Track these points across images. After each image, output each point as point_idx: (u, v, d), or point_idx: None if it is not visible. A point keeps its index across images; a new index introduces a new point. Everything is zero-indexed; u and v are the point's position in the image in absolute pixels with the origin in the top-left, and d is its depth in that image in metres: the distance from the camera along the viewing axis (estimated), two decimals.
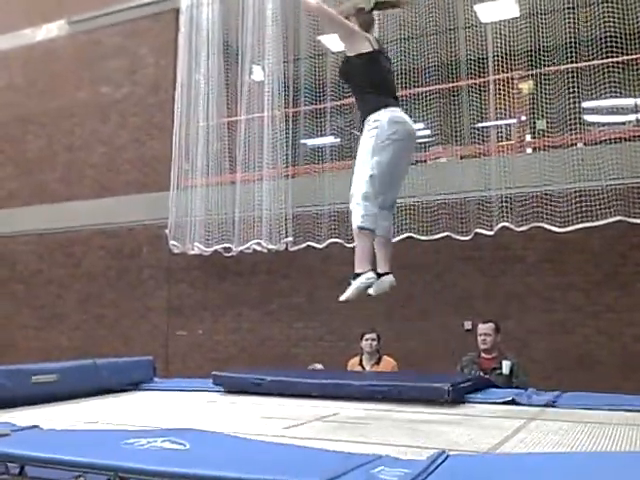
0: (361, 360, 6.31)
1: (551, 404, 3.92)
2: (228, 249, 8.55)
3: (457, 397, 3.96)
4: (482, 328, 5.68)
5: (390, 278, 3.75)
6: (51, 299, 10.15)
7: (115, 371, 5.01)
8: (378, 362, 6.25)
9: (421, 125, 8.57)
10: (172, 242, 8.83)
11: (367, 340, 6.32)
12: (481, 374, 5.24)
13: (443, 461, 2.06)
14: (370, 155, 3.54)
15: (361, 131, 3.71)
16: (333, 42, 9.29)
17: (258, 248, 8.34)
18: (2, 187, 11.00)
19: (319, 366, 6.42)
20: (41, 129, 10.77)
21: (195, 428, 2.77)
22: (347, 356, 6.63)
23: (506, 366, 5.26)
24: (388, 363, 6.26)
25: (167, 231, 8.85)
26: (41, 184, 10.58)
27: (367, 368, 6.21)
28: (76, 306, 9.93)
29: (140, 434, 2.55)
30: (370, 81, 3.72)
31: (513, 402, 4.04)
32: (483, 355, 5.56)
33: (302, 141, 9.02)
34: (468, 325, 7.30)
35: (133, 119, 10.02)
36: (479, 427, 3.28)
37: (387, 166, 3.53)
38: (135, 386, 5.17)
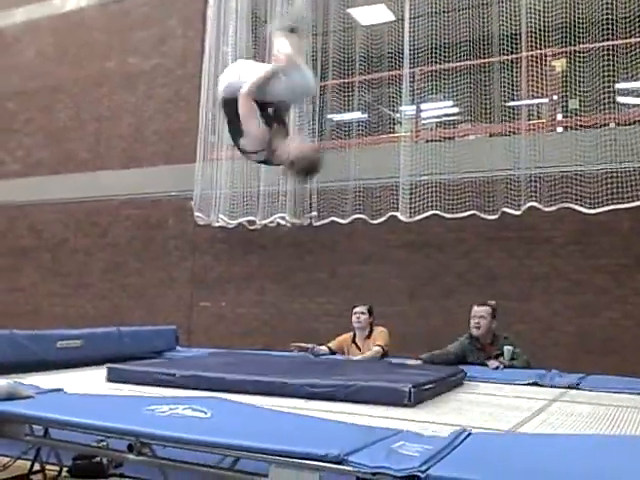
0: (354, 337, 5.81)
1: (574, 386, 3.88)
2: (252, 222, 8.56)
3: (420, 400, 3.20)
4: (477, 311, 5.15)
5: None
6: (77, 267, 10.27)
7: (138, 339, 5.09)
8: (369, 336, 5.71)
9: (450, 102, 8.45)
10: (197, 214, 8.86)
11: (355, 314, 5.74)
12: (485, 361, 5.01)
13: (465, 438, 2.04)
14: None
15: None
16: (363, 15, 9.18)
17: (282, 222, 8.34)
18: (31, 155, 11.10)
19: (323, 348, 5.70)
20: (70, 98, 10.82)
21: (216, 396, 2.78)
22: None
23: (508, 352, 4.93)
24: (378, 334, 5.69)
25: (192, 203, 8.88)
26: (69, 153, 10.66)
27: (360, 345, 5.71)
28: (101, 275, 10.05)
29: (162, 401, 2.57)
30: None
31: (535, 384, 4.01)
32: (482, 341, 5.14)
33: (329, 116, 8.94)
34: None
35: (160, 90, 10.01)
36: (500, 407, 3.26)
37: None
38: (158, 354, 5.23)
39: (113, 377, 3.87)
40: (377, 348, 5.48)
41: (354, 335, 5.82)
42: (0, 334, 4.15)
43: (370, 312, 5.77)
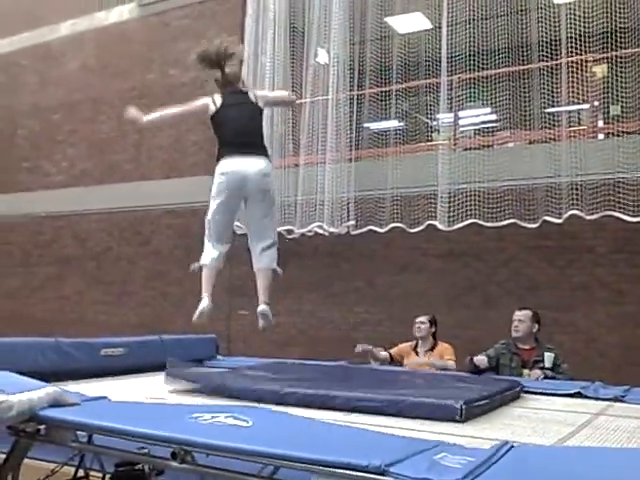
0: (416, 345, 5.91)
1: (620, 398, 3.79)
2: (290, 231, 8.60)
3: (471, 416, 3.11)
4: (517, 314, 5.21)
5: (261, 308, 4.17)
6: (120, 276, 10.47)
7: (180, 347, 5.15)
8: (432, 349, 5.82)
9: (488, 109, 8.39)
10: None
11: (416, 324, 5.88)
12: (521, 366, 4.98)
13: (507, 451, 2.02)
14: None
15: None
16: (400, 23, 9.18)
17: (320, 231, 8.36)
18: (75, 166, 11.38)
19: (384, 354, 5.83)
20: (112, 110, 11.05)
21: (258, 406, 2.80)
22: (406, 342, 6.54)
23: (548, 358, 4.87)
24: (443, 349, 5.83)
25: None
26: (112, 164, 10.89)
27: (421, 355, 5.79)
28: (144, 283, 10.22)
29: (204, 409, 2.59)
30: (217, 137, 4.30)
31: (579, 395, 3.93)
32: (520, 345, 5.13)
33: (366, 124, 8.96)
34: None
35: None
36: (542, 421, 3.19)
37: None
38: (199, 362, 5.28)
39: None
40: (452, 363, 5.55)
41: (416, 344, 5.90)
42: (46, 342, 4.25)
43: (432, 322, 5.87)
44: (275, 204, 4.22)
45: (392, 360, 5.80)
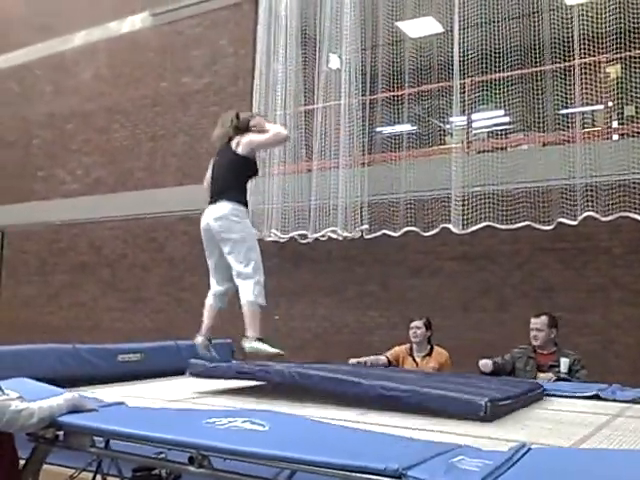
0: (411, 349, 5.74)
1: (638, 401, 3.76)
2: (304, 236, 8.62)
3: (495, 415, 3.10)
4: (533, 323, 5.14)
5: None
6: (135, 282, 10.53)
7: (195, 352, 5.15)
8: (429, 354, 5.68)
9: (501, 112, 8.36)
10: None
11: (411, 329, 5.68)
12: (537, 370, 4.97)
13: (525, 453, 2.01)
14: None
15: None
16: (411, 28, 9.19)
17: (333, 236, 8.37)
18: (89, 175, 11.47)
19: (382, 359, 5.62)
20: (126, 118, 11.15)
21: (274, 410, 2.81)
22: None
23: (564, 364, 4.84)
24: (439, 355, 5.68)
25: None
26: (126, 172, 10.97)
27: (418, 360, 5.66)
28: (158, 289, 10.27)
29: (221, 414, 2.60)
30: None
31: (597, 397, 3.90)
32: (539, 350, 5.11)
33: (378, 129, 8.96)
34: None
35: (213, 108, 10.20)
36: (559, 422, 3.18)
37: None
38: None
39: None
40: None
41: (411, 348, 5.76)
42: (64, 348, 4.29)
43: (427, 326, 5.71)
44: (240, 240, 4.24)
45: (390, 364, 5.71)
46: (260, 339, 4.16)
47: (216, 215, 4.26)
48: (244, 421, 2.39)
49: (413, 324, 5.71)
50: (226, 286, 4.42)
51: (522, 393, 3.62)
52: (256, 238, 4.52)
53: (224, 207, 4.26)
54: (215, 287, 4.46)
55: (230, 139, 4.45)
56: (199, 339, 4.41)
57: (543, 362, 5.06)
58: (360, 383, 3.32)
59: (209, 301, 4.48)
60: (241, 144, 4.37)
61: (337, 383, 3.40)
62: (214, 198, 4.34)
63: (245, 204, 4.33)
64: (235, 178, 4.38)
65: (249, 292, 4.19)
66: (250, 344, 4.17)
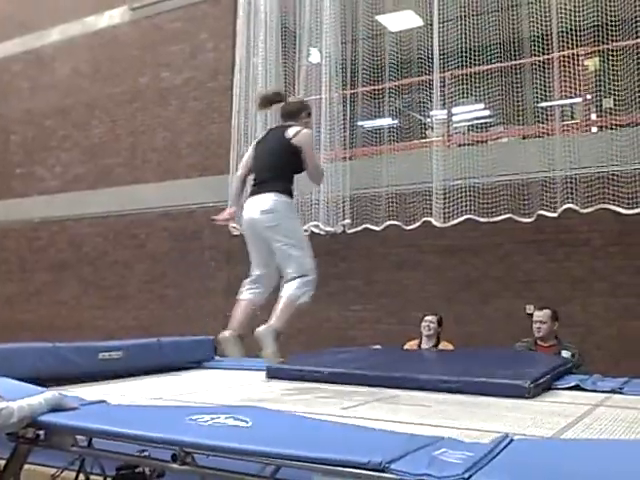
0: (420, 343, 6.17)
1: (618, 391, 3.80)
2: None
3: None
4: (537, 315, 5.47)
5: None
6: (116, 280, 10.45)
7: (178, 350, 5.15)
8: (436, 346, 6.08)
9: (481, 105, 8.40)
10: (232, 224, 8.92)
11: (425, 322, 6.15)
12: None
13: (507, 445, 2.02)
14: None
15: None
16: (391, 21, 9.19)
17: (316, 230, 8.35)
18: (69, 171, 11.35)
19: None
20: (105, 114, 11.04)
21: (257, 406, 2.80)
22: (405, 339, 6.58)
23: (565, 356, 5.05)
24: (445, 347, 6.09)
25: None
26: (106, 168, 10.87)
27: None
28: (140, 286, 10.20)
29: (203, 410, 2.60)
30: None
31: (578, 387, 3.94)
32: (540, 343, 5.35)
33: (360, 123, 8.96)
34: (530, 309, 7.13)
35: (193, 103, 10.15)
36: (541, 412, 3.21)
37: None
38: (197, 364, 5.29)
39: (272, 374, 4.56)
40: None
41: (420, 341, 6.16)
42: (44, 347, 4.24)
43: (439, 323, 6.14)
44: (292, 236, 4.09)
45: None
46: (278, 335, 4.00)
47: (263, 207, 3.95)
48: (227, 417, 2.38)
49: (427, 318, 6.13)
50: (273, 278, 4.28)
51: (555, 367, 4.11)
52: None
53: (270, 200, 3.95)
54: (255, 288, 4.28)
55: (285, 127, 4.14)
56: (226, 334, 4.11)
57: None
58: (417, 379, 3.93)
59: (245, 296, 4.26)
60: (300, 135, 4.05)
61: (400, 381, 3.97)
62: (258, 190, 4.03)
63: (292, 196, 4.11)
64: (287, 166, 4.09)
65: (294, 292, 4.11)
66: (266, 332, 3.98)
